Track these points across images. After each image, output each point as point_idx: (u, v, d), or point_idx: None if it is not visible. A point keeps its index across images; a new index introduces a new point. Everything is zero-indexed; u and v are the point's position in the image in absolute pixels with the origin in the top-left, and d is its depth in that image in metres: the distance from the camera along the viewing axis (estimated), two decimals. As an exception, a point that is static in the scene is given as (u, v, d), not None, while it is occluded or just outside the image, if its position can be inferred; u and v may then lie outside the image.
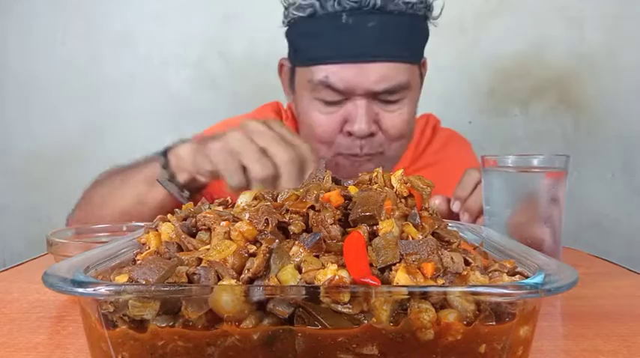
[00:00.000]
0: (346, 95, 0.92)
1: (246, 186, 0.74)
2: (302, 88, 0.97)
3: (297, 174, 0.73)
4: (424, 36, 0.99)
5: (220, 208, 0.50)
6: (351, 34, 0.89)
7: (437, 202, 0.82)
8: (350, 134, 0.93)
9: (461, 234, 0.50)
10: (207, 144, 0.79)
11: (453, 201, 0.86)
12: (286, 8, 0.96)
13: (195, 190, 0.85)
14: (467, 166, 1.06)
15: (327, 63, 0.91)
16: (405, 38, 0.93)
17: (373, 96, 0.92)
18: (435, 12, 0.98)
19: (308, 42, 0.94)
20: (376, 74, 0.90)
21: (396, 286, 0.36)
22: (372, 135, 0.94)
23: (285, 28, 0.99)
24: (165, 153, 0.85)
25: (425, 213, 0.47)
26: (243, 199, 0.48)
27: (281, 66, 1.07)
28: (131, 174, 0.88)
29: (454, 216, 0.84)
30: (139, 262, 0.42)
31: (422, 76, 1.05)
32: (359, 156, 0.95)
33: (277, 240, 0.40)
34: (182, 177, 0.83)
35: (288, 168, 0.73)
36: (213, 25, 1.64)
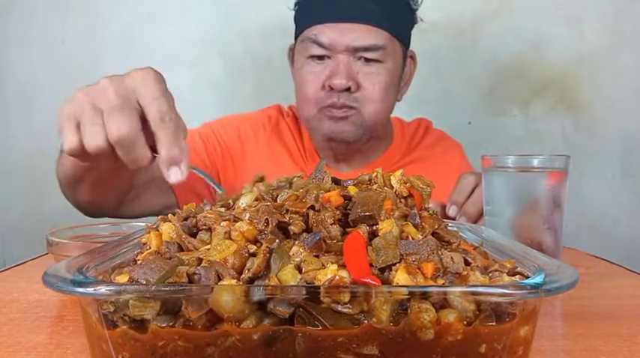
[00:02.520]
0: (330, 51, 1.05)
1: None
2: (298, 54, 1.12)
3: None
4: (405, 18, 1.12)
5: (222, 209, 0.50)
6: (338, 0, 1.06)
7: (431, 206, 0.84)
8: (331, 89, 1.06)
9: (461, 234, 0.50)
10: None
11: (449, 206, 0.88)
12: None
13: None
14: (457, 165, 1.08)
15: (317, 23, 1.06)
16: (385, 9, 1.06)
17: (354, 54, 1.05)
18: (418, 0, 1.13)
19: (304, 12, 1.11)
20: (355, 33, 1.04)
21: (396, 286, 0.36)
22: (349, 90, 1.05)
23: (294, 12, 1.14)
24: None
25: (425, 213, 0.47)
26: (244, 200, 0.48)
27: (290, 50, 1.19)
28: None
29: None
30: (139, 262, 0.42)
31: (405, 65, 1.15)
32: (336, 106, 1.06)
33: (277, 240, 0.40)
34: None
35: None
36: (213, 25, 1.64)
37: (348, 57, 1.05)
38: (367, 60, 1.05)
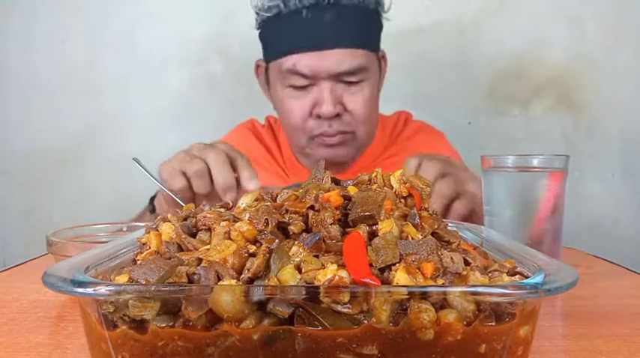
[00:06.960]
0: (312, 79, 1.03)
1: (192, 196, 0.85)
2: (275, 80, 1.09)
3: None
4: (377, 27, 1.10)
5: (221, 209, 0.50)
6: (312, 26, 1.02)
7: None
8: (319, 117, 1.04)
9: (461, 234, 0.50)
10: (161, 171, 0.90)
11: None
12: (257, 13, 1.07)
13: None
14: (444, 153, 1.09)
15: (293, 53, 1.03)
16: (359, 28, 1.04)
17: (336, 78, 1.03)
18: (386, 6, 1.10)
19: (276, 38, 1.06)
20: (335, 58, 1.02)
21: (395, 286, 0.36)
22: (338, 116, 1.04)
23: (258, 31, 1.10)
24: (152, 199, 0.95)
25: (424, 213, 0.47)
26: (244, 201, 0.48)
27: (257, 67, 1.17)
28: None
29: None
30: (139, 262, 0.42)
31: (381, 67, 1.14)
32: (329, 134, 1.05)
33: (277, 240, 0.40)
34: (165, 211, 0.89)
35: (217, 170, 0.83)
36: (213, 25, 1.64)
37: (331, 82, 1.03)
38: (349, 82, 1.04)
